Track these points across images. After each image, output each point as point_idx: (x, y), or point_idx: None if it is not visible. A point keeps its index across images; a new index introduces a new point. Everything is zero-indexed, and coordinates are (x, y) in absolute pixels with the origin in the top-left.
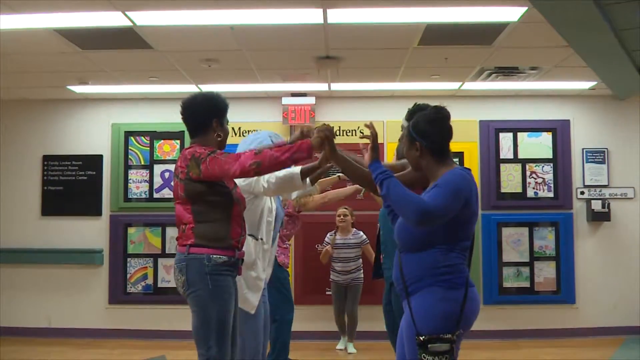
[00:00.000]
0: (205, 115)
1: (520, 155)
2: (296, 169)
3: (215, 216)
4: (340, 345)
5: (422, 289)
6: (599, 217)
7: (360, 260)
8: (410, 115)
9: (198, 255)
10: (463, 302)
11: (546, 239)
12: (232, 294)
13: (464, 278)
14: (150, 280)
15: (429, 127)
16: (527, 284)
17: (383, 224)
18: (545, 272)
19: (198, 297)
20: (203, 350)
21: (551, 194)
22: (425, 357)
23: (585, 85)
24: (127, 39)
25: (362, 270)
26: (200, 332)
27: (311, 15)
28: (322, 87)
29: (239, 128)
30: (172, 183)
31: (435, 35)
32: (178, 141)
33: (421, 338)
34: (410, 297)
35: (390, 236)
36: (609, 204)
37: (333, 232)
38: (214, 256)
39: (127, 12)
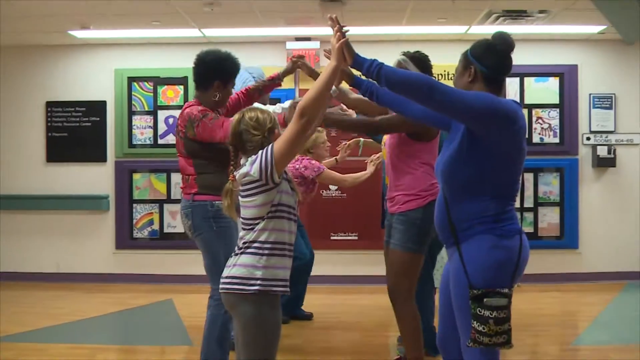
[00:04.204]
0: (208, 75)
1: (527, 101)
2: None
3: (214, 168)
4: None
5: (473, 236)
6: (605, 163)
7: None
8: (412, 58)
9: (202, 202)
10: (519, 252)
11: (551, 185)
12: (234, 233)
13: (517, 225)
14: (156, 226)
15: (488, 52)
16: (530, 229)
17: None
18: (549, 218)
19: (205, 238)
20: (216, 285)
21: (557, 140)
22: (481, 312)
23: (594, 29)
24: None
25: None
26: (212, 269)
27: None
28: (326, 31)
29: None
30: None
31: None
32: (182, 87)
33: (475, 291)
34: (460, 245)
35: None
36: (614, 150)
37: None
38: (217, 202)
39: None
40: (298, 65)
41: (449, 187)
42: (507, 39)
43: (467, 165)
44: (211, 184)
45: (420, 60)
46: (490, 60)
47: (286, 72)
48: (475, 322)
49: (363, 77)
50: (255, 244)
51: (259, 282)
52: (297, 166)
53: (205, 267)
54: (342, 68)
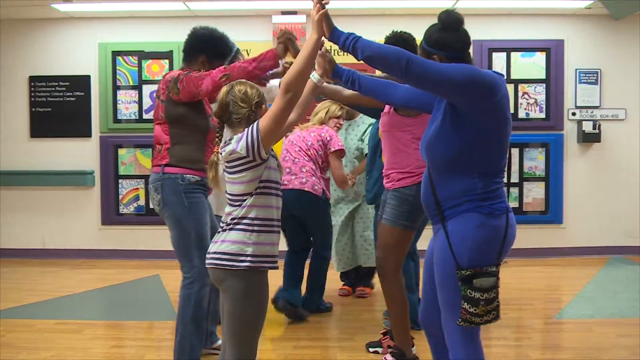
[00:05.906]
0: (195, 48)
1: (513, 76)
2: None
3: (191, 138)
4: None
5: (460, 214)
6: (590, 139)
7: None
8: (387, 40)
9: (172, 174)
10: (505, 231)
11: (536, 160)
12: (206, 209)
13: (504, 204)
14: (142, 202)
15: (445, 34)
16: (515, 204)
17: (371, 142)
18: (534, 193)
19: (175, 214)
20: (186, 262)
21: (543, 115)
22: (471, 294)
23: (581, 4)
24: None
25: None
26: (181, 247)
27: None
28: (312, 4)
29: None
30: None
31: None
32: (167, 61)
33: (463, 272)
34: (446, 222)
35: (371, 157)
36: (599, 125)
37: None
38: (188, 176)
39: None
40: (283, 42)
41: (433, 164)
42: (453, 15)
43: (451, 142)
44: (184, 156)
45: (405, 41)
46: (449, 44)
47: (274, 75)
48: (466, 304)
49: (345, 67)
50: (245, 221)
51: (249, 258)
52: (323, 134)
53: (174, 244)
54: (328, 58)
